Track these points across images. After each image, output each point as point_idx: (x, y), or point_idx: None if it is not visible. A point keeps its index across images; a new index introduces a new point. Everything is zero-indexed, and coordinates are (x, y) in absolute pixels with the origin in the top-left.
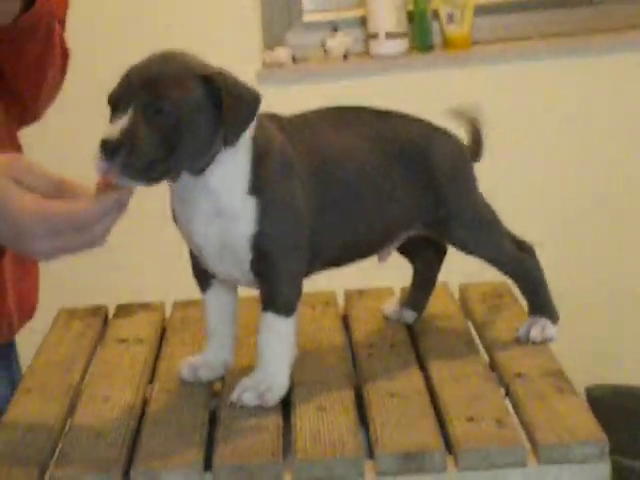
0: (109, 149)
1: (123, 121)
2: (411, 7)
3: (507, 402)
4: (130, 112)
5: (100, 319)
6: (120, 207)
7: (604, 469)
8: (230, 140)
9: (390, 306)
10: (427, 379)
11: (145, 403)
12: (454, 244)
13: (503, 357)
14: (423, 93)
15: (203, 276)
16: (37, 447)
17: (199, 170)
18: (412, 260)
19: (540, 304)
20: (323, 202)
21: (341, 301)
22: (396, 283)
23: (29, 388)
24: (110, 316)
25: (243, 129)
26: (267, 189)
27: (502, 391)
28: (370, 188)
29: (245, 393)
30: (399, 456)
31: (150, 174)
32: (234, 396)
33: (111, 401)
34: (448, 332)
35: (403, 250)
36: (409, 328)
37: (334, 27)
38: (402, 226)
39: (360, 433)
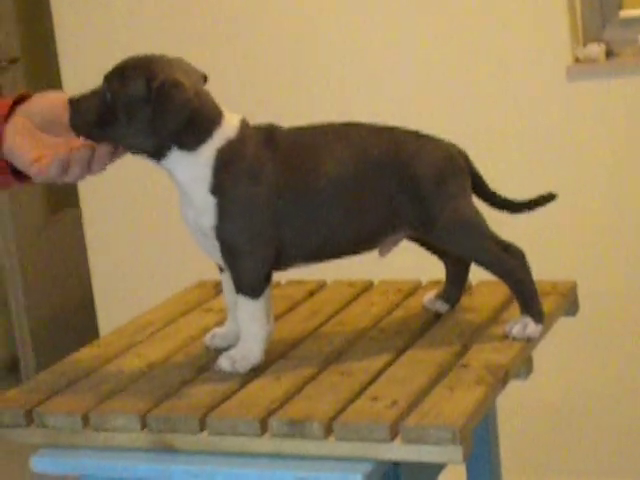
0: (68, 105)
1: (88, 91)
2: None
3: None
4: (96, 88)
5: (217, 291)
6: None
7: (456, 452)
8: (159, 133)
9: (428, 297)
10: (391, 361)
11: (166, 360)
12: (439, 244)
13: (473, 349)
14: None
15: None
16: (61, 385)
17: (150, 154)
18: (440, 257)
19: (525, 304)
20: (295, 208)
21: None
22: None
23: (99, 343)
24: None
25: (166, 131)
26: (227, 190)
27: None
28: (348, 198)
29: (223, 359)
30: (286, 422)
31: (85, 132)
32: (217, 361)
33: (142, 357)
34: (458, 323)
35: (432, 249)
36: (436, 317)
37: None
38: (386, 230)
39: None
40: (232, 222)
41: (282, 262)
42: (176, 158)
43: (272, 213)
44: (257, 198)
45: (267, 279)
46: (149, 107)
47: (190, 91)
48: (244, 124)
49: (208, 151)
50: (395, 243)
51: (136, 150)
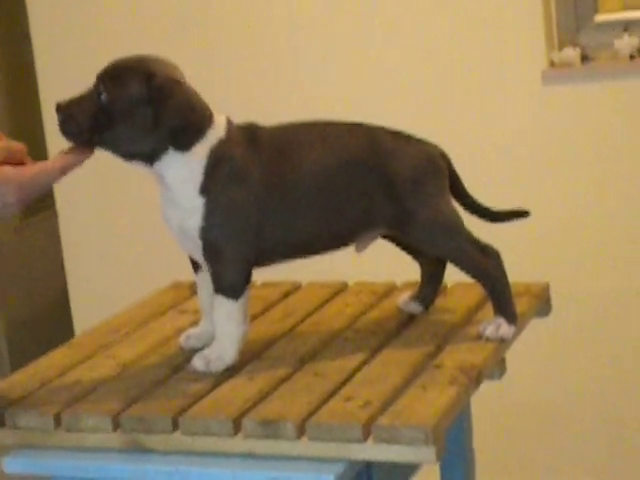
0: (56, 111)
1: (77, 95)
2: None
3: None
4: (87, 91)
5: (192, 292)
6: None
7: (429, 452)
8: (160, 132)
9: (403, 298)
10: (365, 361)
11: (139, 360)
12: (415, 243)
13: (446, 349)
14: None
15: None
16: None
17: (146, 157)
18: (416, 258)
19: (499, 305)
20: (276, 207)
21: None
22: None
23: (71, 344)
24: None
25: (168, 130)
26: (215, 191)
27: (407, 378)
28: (326, 195)
29: (197, 360)
30: (259, 423)
31: (79, 138)
32: (191, 361)
33: (116, 357)
34: (432, 324)
35: (408, 249)
36: (410, 318)
37: (625, 27)
38: (363, 226)
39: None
40: (218, 223)
41: (263, 259)
42: (170, 160)
43: (255, 213)
44: (243, 199)
45: (247, 280)
46: (150, 107)
47: (189, 89)
48: (229, 123)
49: (201, 151)
50: (372, 239)
51: (132, 155)
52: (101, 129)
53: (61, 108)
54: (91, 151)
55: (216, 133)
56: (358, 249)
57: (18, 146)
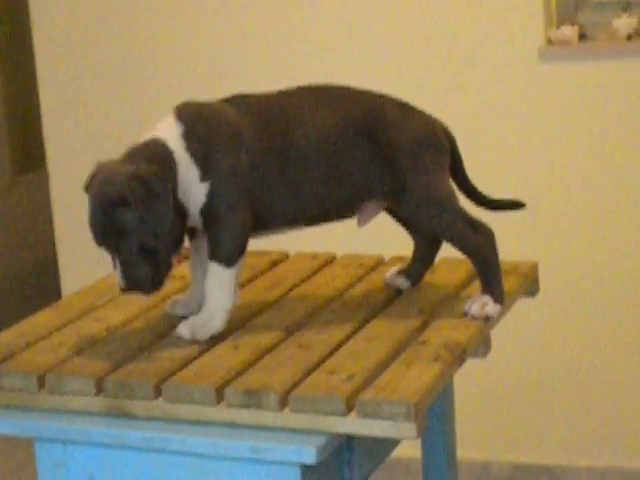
0: (127, 292)
1: (118, 269)
2: None
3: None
4: (117, 258)
5: (179, 259)
6: None
7: (410, 428)
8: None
9: (390, 272)
10: (350, 335)
11: (125, 325)
12: (406, 216)
13: (432, 326)
14: None
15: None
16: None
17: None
18: (413, 235)
19: (487, 283)
20: (273, 171)
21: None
22: None
23: (58, 305)
24: None
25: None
26: (215, 172)
27: (393, 353)
28: (326, 162)
29: (183, 326)
30: (242, 392)
31: (160, 282)
32: (177, 328)
33: (102, 321)
34: (418, 299)
35: (405, 224)
36: (397, 293)
37: (623, 7)
38: (362, 195)
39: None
40: (219, 197)
41: (263, 226)
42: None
43: (252, 180)
44: (240, 172)
45: (242, 249)
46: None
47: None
48: (177, 117)
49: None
50: (374, 213)
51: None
52: (157, 260)
53: (127, 288)
54: None
55: (174, 147)
56: (360, 222)
57: None
